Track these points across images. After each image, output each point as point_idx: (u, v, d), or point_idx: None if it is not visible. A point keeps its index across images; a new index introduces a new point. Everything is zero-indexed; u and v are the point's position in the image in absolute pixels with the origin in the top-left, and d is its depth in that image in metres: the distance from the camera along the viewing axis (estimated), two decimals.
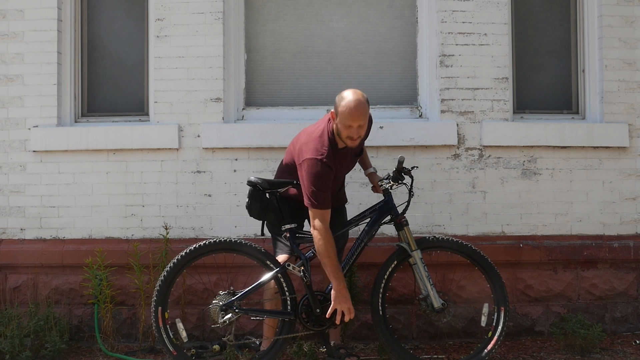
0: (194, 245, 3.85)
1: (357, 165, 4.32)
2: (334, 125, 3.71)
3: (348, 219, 4.02)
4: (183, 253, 3.84)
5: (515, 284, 4.67)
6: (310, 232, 3.79)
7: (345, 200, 4.20)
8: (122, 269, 4.54)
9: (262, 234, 3.96)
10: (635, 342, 4.54)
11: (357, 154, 4.00)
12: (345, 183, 4.20)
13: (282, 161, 4.03)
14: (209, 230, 4.70)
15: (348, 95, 3.64)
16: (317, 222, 3.67)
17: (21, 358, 4.10)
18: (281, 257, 3.88)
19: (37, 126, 4.76)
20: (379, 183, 3.99)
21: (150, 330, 4.50)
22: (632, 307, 4.75)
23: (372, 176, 4.14)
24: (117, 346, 4.53)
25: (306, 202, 3.69)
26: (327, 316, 3.74)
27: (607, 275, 4.74)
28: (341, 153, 3.78)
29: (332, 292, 3.69)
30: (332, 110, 3.71)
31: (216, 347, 3.94)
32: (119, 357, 4.32)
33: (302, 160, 3.70)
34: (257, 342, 3.97)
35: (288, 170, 3.91)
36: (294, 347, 4.11)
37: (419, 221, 4.65)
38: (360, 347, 4.50)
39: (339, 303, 3.67)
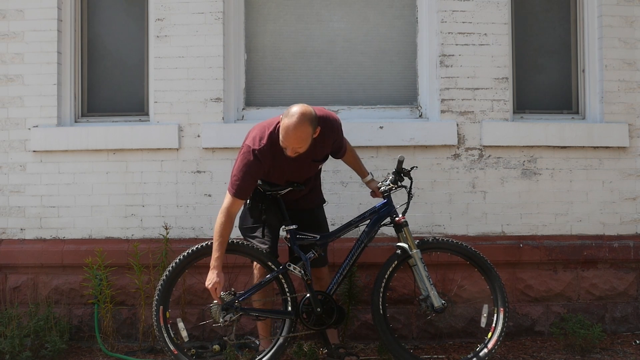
0: (197, 246, 3.85)
1: None
2: None
3: (348, 221, 4.01)
4: (186, 253, 3.84)
5: (515, 284, 4.67)
6: (310, 234, 3.82)
7: (319, 202, 4.12)
8: (122, 269, 4.54)
9: (263, 235, 3.94)
10: (635, 342, 4.54)
11: (318, 159, 3.87)
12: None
13: None
14: (209, 230, 4.70)
15: (295, 115, 3.50)
16: (224, 205, 3.71)
17: (21, 358, 4.11)
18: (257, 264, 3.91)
19: (37, 126, 4.76)
20: (378, 186, 3.99)
21: (150, 330, 4.50)
22: (632, 307, 4.75)
23: (370, 183, 4.10)
24: (117, 346, 4.53)
25: (228, 187, 3.73)
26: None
27: (607, 275, 4.74)
28: (283, 153, 3.66)
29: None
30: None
31: (216, 347, 3.96)
32: (119, 357, 4.33)
33: (242, 145, 3.75)
34: (257, 342, 3.98)
35: None
36: (294, 347, 4.11)
37: (419, 221, 4.65)
38: (360, 347, 4.50)
39: (208, 280, 3.70)
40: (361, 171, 4.15)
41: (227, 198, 3.73)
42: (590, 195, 4.78)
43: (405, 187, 3.98)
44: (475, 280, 4.36)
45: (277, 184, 3.84)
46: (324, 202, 4.18)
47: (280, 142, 3.59)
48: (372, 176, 4.15)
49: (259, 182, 3.82)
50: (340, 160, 4.12)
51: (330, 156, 3.96)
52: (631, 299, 4.75)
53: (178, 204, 4.72)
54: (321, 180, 4.29)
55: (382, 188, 3.95)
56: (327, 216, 4.18)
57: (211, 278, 3.69)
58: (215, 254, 3.71)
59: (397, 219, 3.91)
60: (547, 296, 4.70)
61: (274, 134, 3.66)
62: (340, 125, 3.85)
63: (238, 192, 3.70)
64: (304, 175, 3.89)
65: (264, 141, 3.65)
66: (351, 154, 4.10)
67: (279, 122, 3.64)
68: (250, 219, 3.94)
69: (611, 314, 4.74)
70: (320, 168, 4.06)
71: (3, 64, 4.77)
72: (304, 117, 3.50)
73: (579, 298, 4.73)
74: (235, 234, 4.62)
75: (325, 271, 4.08)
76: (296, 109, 3.53)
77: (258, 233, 3.90)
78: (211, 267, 3.71)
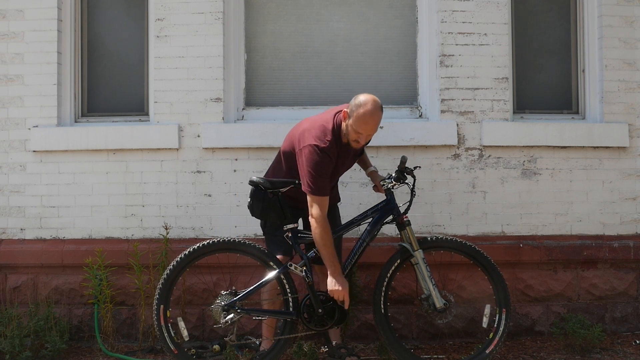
0: (198, 245, 3.85)
1: (357, 165, 4.33)
2: (344, 124, 3.71)
3: (350, 219, 4.01)
4: (186, 252, 3.84)
5: (515, 284, 4.67)
6: (311, 232, 3.81)
7: (338, 200, 4.20)
8: (122, 269, 4.54)
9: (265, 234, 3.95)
10: (635, 342, 4.54)
11: (357, 154, 4.01)
12: (340, 182, 4.19)
13: (279, 150, 3.99)
14: (209, 230, 4.70)
15: (368, 103, 3.63)
16: (314, 210, 3.67)
17: (21, 358, 4.10)
18: (278, 258, 3.88)
19: (37, 126, 4.76)
20: (381, 183, 3.98)
21: (150, 330, 4.50)
22: (632, 307, 4.75)
23: (373, 175, 4.13)
24: (117, 346, 4.53)
25: (305, 188, 3.69)
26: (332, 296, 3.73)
27: (607, 275, 4.74)
28: (344, 148, 3.78)
29: (329, 278, 3.69)
30: (346, 109, 3.70)
31: (216, 347, 3.95)
32: (119, 357, 4.32)
33: (303, 146, 3.69)
34: (257, 342, 3.97)
35: (285, 158, 3.88)
36: (294, 347, 4.11)
37: (419, 221, 4.65)
38: (361, 347, 4.50)
39: (334, 288, 3.68)
40: (364, 163, 4.21)
41: (315, 200, 3.67)
42: (590, 195, 4.78)
43: (408, 184, 3.98)
44: (477, 280, 4.36)
45: (278, 180, 3.84)
46: (339, 201, 4.21)
47: (354, 132, 3.65)
48: (376, 168, 4.16)
49: (260, 179, 3.82)
50: None
51: None
52: (631, 299, 4.75)
53: (178, 204, 4.72)
54: None
55: (385, 185, 3.95)
56: None
57: (341, 282, 3.68)
58: (336, 262, 3.70)
59: (399, 217, 3.91)
60: (547, 296, 4.70)
61: (335, 129, 3.74)
62: None
63: (323, 190, 3.69)
64: (345, 170, 4.01)
65: (329, 137, 3.70)
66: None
67: (335, 118, 3.74)
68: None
69: (611, 314, 4.74)
70: None
71: (3, 64, 4.77)
72: (377, 103, 3.67)
73: (579, 298, 4.74)
74: (236, 233, 4.65)
75: None
76: (365, 98, 3.66)
77: (279, 232, 3.90)
78: (334, 275, 3.68)
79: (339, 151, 3.75)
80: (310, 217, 3.69)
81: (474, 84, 4.74)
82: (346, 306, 3.74)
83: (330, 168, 3.72)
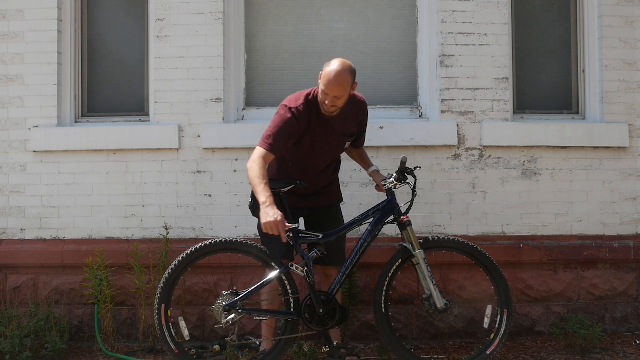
0: (199, 244, 3.84)
1: (357, 165, 4.33)
2: (318, 90, 3.77)
3: (350, 219, 4.00)
4: (188, 251, 3.84)
5: (515, 284, 4.67)
6: (313, 232, 3.82)
7: (337, 199, 4.17)
8: (122, 269, 4.54)
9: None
10: (635, 342, 4.55)
11: (346, 135, 3.95)
12: (340, 182, 4.19)
13: None
14: (209, 230, 4.70)
15: (334, 64, 3.67)
16: (255, 154, 3.67)
17: (21, 358, 4.10)
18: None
19: (37, 126, 4.76)
20: (382, 182, 3.98)
21: (150, 330, 4.50)
22: (632, 307, 4.75)
23: (375, 174, 4.12)
24: (117, 346, 4.53)
25: (259, 141, 3.73)
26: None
27: (607, 275, 4.74)
28: (323, 120, 3.80)
29: (260, 210, 3.57)
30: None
31: (216, 347, 3.95)
32: (119, 357, 4.32)
33: (278, 107, 3.82)
34: (257, 342, 3.97)
35: None
36: (294, 347, 4.11)
37: (419, 221, 4.65)
38: (361, 347, 4.50)
39: (266, 220, 3.52)
40: (366, 162, 4.21)
41: (258, 150, 3.68)
42: (590, 195, 4.78)
43: (409, 184, 3.98)
44: (478, 280, 4.35)
45: (278, 180, 3.83)
46: (341, 201, 4.20)
47: (322, 93, 3.70)
48: (377, 168, 4.16)
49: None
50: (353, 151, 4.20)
51: (351, 145, 4.08)
52: (631, 299, 4.75)
53: (178, 204, 4.72)
54: None
55: (386, 185, 3.95)
56: None
57: (271, 213, 3.49)
58: (266, 192, 3.53)
59: (400, 217, 3.90)
60: (547, 296, 4.70)
61: (309, 97, 3.80)
62: (367, 109, 4.07)
63: (272, 145, 3.67)
64: (327, 154, 3.96)
65: (301, 101, 3.78)
66: (361, 148, 4.23)
67: (314, 89, 3.81)
68: None
69: (611, 314, 4.74)
70: (340, 159, 4.13)
71: (3, 64, 4.77)
72: (344, 64, 3.68)
73: (579, 298, 4.74)
74: (236, 233, 4.65)
75: (335, 270, 4.04)
76: (335, 60, 3.70)
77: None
78: (266, 204, 3.51)
79: (314, 119, 3.78)
80: (249, 161, 3.66)
81: (474, 84, 4.74)
82: (283, 239, 3.57)
83: (292, 129, 3.72)
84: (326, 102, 3.69)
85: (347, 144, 4.03)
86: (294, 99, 3.82)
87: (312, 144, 3.83)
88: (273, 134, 3.71)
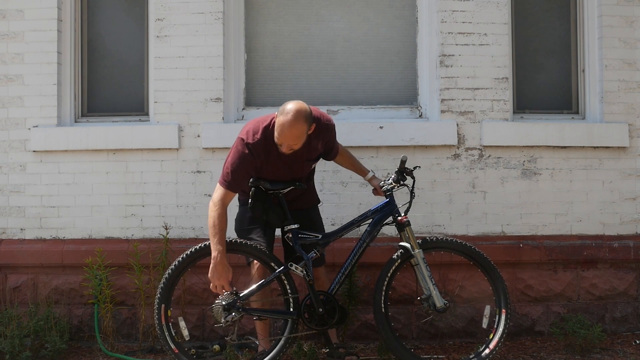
0: (200, 245, 3.85)
1: None
2: None
3: (350, 220, 4.00)
4: (188, 252, 3.84)
5: (515, 284, 4.67)
6: (312, 233, 3.83)
7: (314, 202, 4.13)
8: (122, 269, 4.53)
9: (263, 234, 3.93)
10: (635, 342, 4.55)
11: (311, 159, 3.89)
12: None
13: None
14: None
15: (290, 112, 3.52)
16: (216, 196, 3.71)
17: (21, 358, 4.10)
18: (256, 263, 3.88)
19: (37, 126, 4.76)
20: (381, 185, 3.98)
21: (150, 330, 4.50)
22: (632, 307, 4.75)
23: (372, 180, 4.10)
24: (117, 346, 4.53)
25: (219, 179, 3.74)
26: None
27: (607, 275, 4.74)
28: (281, 152, 3.69)
29: (211, 265, 3.67)
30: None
31: (216, 347, 3.95)
32: (119, 357, 4.32)
33: (236, 137, 3.76)
34: (257, 342, 3.97)
35: None
36: (294, 347, 4.11)
37: (419, 221, 4.65)
38: (360, 347, 4.50)
39: (212, 276, 3.68)
40: (361, 170, 4.15)
41: (219, 190, 3.72)
42: (590, 195, 4.78)
43: (407, 185, 3.98)
44: (477, 281, 4.35)
45: (278, 181, 3.82)
46: (319, 202, 4.19)
47: (275, 138, 3.61)
48: (374, 173, 4.15)
49: (262, 181, 3.82)
50: (339, 161, 4.14)
51: (322, 158, 3.99)
52: (631, 299, 4.75)
53: (178, 204, 4.72)
54: (322, 180, 4.27)
55: (384, 187, 3.95)
56: (327, 216, 4.19)
57: (219, 271, 3.65)
58: (218, 246, 3.65)
59: (399, 218, 3.90)
60: (547, 296, 4.70)
61: (269, 129, 3.69)
62: (334, 127, 3.88)
63: (230, 184, 3.70)
64: (296, 175, 3.88)
65: (258, 135, 3.68)
66: (345, 155, 4.12)
67: (274, 118, 3.67)
68: (246, 221, 3.94)
69: (611, 314, 4.74)
70: (314, 168, 4.07)
71: (3, 64, 4.77)
72: (299, 115, 3.53)
73: (579, 298, 4.74)
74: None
75: (322, 271, 4.07)
76: (291, 106, 3.55)
77: (254, 234, 3.90)
78: (216, 259, 3.64)
79: (273, 152, 3.69)
80: (211, 202, 3.71)
81: (474, 84, 4.74)
82: (227, 289, 3.70)
83: (251, 165, 3.69)
84: (282, 148, 3.62)
85: (314, 164, 3.97)
86: (252, 131, 3.68)
87: (274, 172, 3.78)
88: (231, 172, 3.68)
